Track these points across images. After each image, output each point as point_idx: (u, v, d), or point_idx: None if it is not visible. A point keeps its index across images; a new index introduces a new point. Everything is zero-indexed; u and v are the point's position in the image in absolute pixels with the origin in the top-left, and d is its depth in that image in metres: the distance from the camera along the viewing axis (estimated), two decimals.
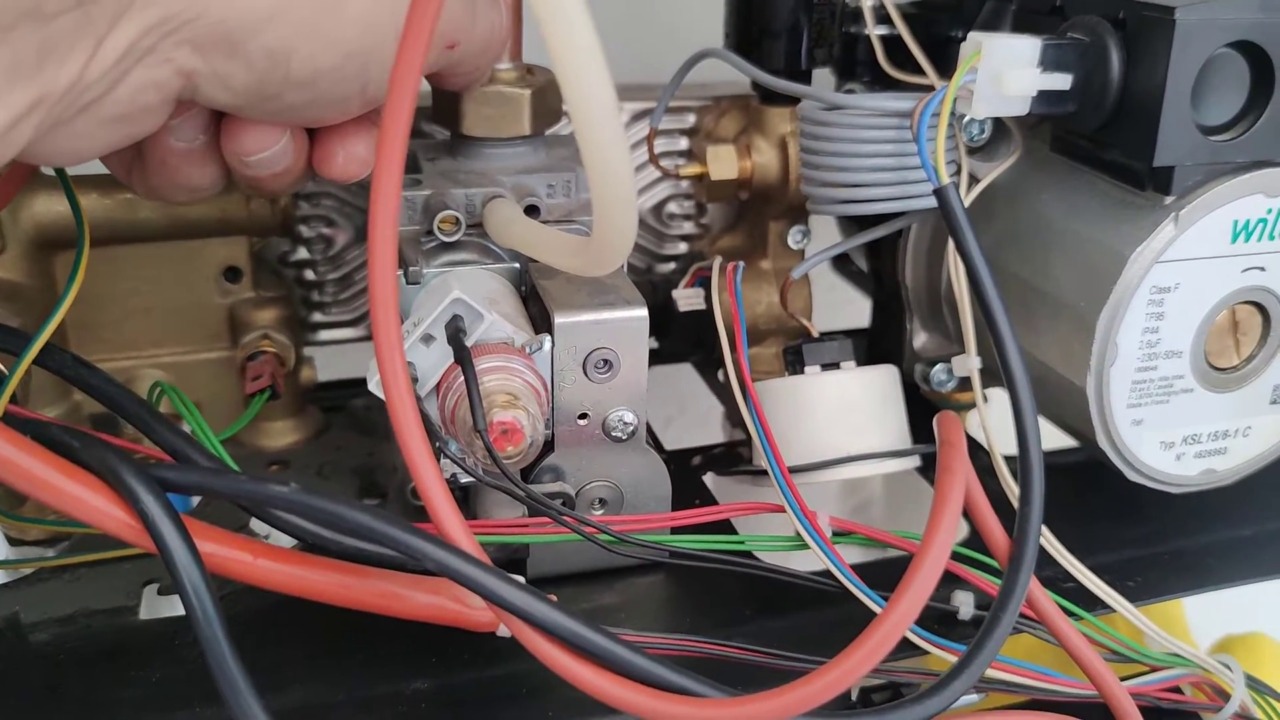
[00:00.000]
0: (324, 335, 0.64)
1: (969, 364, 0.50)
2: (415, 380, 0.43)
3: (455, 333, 0.42)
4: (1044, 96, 0.47)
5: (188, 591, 0.33)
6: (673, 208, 0.67)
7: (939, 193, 0.45)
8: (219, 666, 0.32)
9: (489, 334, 0.43)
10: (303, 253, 0.62)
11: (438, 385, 0.43)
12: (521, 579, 0.35)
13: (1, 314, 0.50)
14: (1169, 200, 0.46)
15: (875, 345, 0.66)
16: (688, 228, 0.68)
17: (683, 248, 0.68)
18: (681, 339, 0.63)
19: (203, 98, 0.37)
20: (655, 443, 0.61)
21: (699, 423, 0.69)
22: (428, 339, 0.43)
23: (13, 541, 0.52)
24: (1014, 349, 0.43)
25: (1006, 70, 0.46)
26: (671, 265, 0.68)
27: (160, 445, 0.41)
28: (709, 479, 0.58)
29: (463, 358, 0.41)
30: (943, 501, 0.39)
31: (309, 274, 0.62)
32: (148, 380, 0.56)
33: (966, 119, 0.51)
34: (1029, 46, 0.46)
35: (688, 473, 0.59)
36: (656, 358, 0.68)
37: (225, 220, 0.54)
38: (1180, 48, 0.44)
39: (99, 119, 0.35)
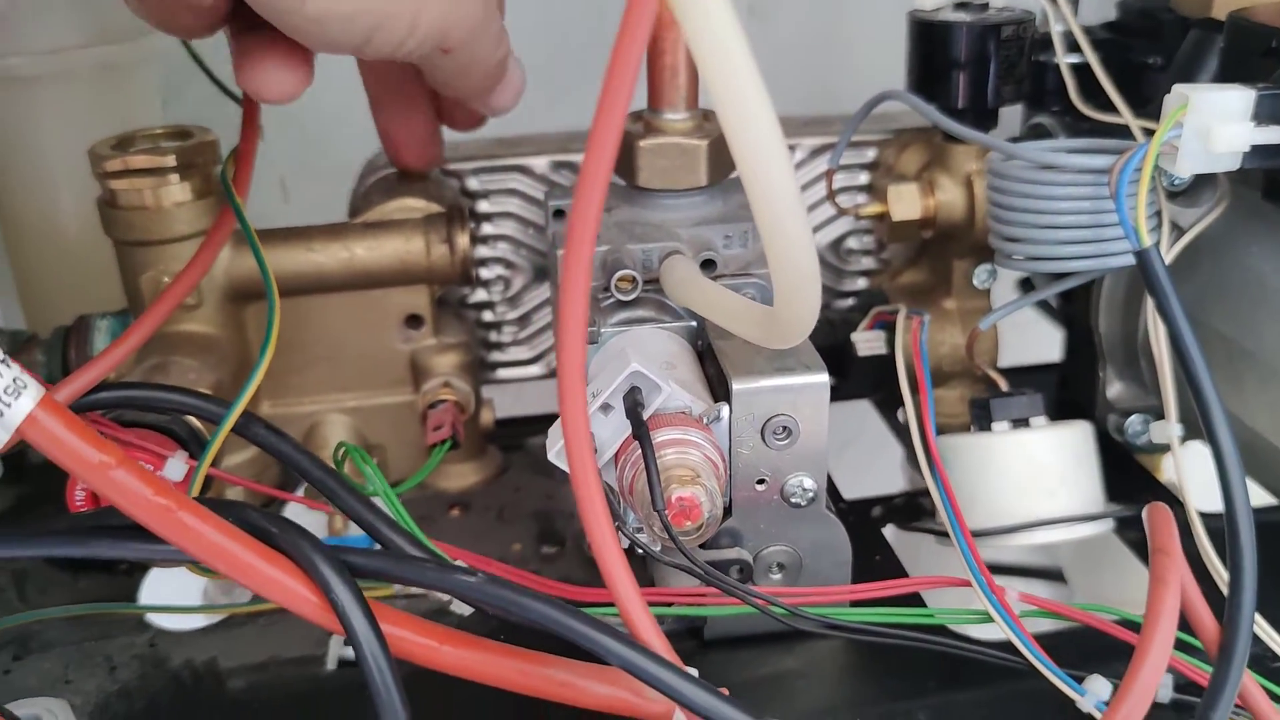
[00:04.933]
0: (503, 374, 0.65)
1: (1169, 431, 0.47)
2: (594, 451, 0.42)
3: (634, 405, 0.42)
4: (1258, 150, 0.44)
5: (374, 677, 0.33)
6: (852, 243, 0.66)
7: (1140, 256, 0.43)
8: None
9: (667, 404, 0.43)
10: (482, 294, 0.63)
11: (616, 455, 0.43)
12: (695, 673, 0.34)
13: (199, 365, 0.52)
14: None
15: (1066, 389, 0.63)
16: (867, 263, 0.66)
17: (861, 283, 0.67)
18: (860, 381, 0.61)
19: None
20: (833, 491, 0.60)
21: (872, 459, 0.67)
22: (606, 409, 0.43)
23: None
24: (1224, 430, 0.40)
25: (1216, 125, 0.43)
26: (850, 301, 0.67)
27: (346, 513, 0.42)
28: (889, 532, 0.57)
29: (640, 434, 0.41)
30: (1156, 616, 0.37)
31: (488, 315, 0.63)
32: (333, 425, 0.58)
33: None
34: (1240, 99, 0.43)
35: (867, 524, 0.57)
36: (835, 394, 0.67)
37: (406, 269, 0.55)
38: None
39: None
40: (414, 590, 0.43)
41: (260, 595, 0.34)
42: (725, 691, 0.34)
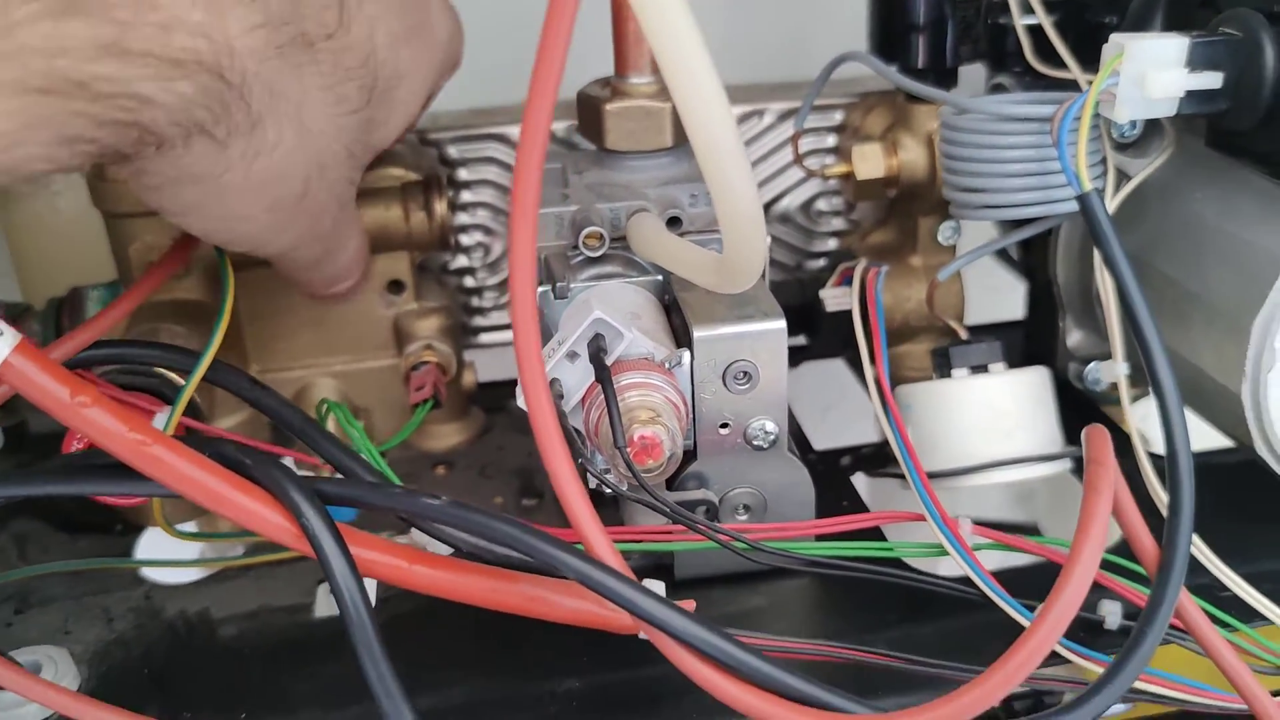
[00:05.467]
0: (485, 338, 0.67)
1: (1115, 370, 0.49)
2: (561, 396, 0.44)
3: (596, 351, 0.44)
4: (1193, 96, 0.46)
5: (343, 595, 0.36)
6: (821, 205, 0.67)
7: (1082, 200, 0.45)
8: (370, 666, 0.35)
9: (630, 350, 0.45)
10: (463, 260, 0.65)
11: (583, 400, 0.45)
12: (654, 587, 0.36)
13: (186, 332, 0.54)
14: None
15: (1030, 341, 0.65)
16: (837, 224, 0.68)
17: (832, 244, 0.69)
18: (831, 337, 0.63)
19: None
20: (804, 442, 0.62)
21: (852, 419, 0.69)
22: (572, 356, 0.45)
23: (203, 536, 0.57)
24: (1163, 363, 0.42)
25: (1151, 72, 0.45)
26: (821, 262, 0.69)
27: (326, 459, 0.44)
28: (858, 480, 0.59)
29: (603, 377, 0.43)
30: (1088, 520, 0.39)
31: (469, 281, 0.65)
32: (321, 387, 0.60)
33: None
34: (1175, 46, 0.45)
35: (836, 473, 0.59)
36: (808, 354, 0.69)
37: (386, 236, 0.57)
38: None
39: None
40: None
41: (235, 523, 0.36)
42: (691, 604, 0.36)
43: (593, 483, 0.44)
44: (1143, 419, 0.64)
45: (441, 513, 0.36)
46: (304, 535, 0.35)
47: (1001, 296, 0.72)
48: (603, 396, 0.43)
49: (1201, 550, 0.46)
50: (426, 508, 0.37)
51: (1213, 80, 0.45)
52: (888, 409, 0.50)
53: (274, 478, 0.35)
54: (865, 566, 0.46)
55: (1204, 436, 0.53)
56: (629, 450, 0.42)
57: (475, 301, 0.66)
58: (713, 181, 0.35)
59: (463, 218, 0.64)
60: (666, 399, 0.44)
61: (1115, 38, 0.45)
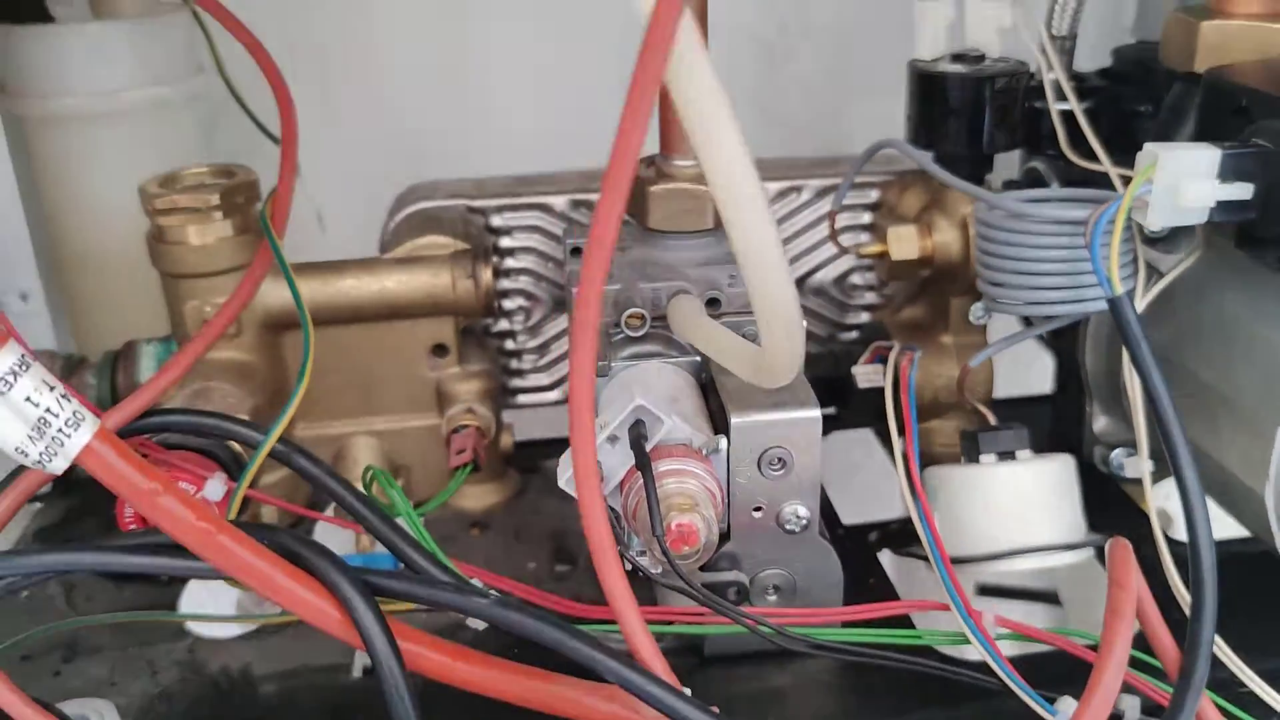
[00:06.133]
0: (522, 399, 0.68)
1: (1140, 467, 0.50)
2: (601, 479, 0.46)
3: (638, 437, 0.45)
4: (1223, 206, 0.47)
5: (390, 689, 0.37)
6: (855, 279, 0.69)
7: (1113, 304, 0.46)
8: None
9: (669, 436, 0.46)
10: (504, 324, 0.66)
11: (621, 483, 0.46)
12: (688, 692, 0.38)
13: (238, 391, 0.56)
14: None
15: (1057, 422, 0.66)
16: (870, 298, 0.69)
17: (865, 317, 0.70)
18: (861, 409, 0.65)
19: None
20: (831, 516, 0.63)
21: (880, 492, 0.70)
22: (613, 440, 0.46)
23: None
24: (1189, 468, 0.43)
25: (1184, 182, 0.46)
26: (854, 334, 0.70)
27: (372, 533, 0.45)
28: (884, 557, 0.60)
29: (642, 464, 0.44)
30: (1109, 649, 0.40)
31: (509, 344, 0.67)
32: (362, 446, 0.61)
33: None
34: (1207, 158, 0.46)
35: (863, 549, 0.60)
36: (838, 424, 0.71)
37: (433, 302, 0.59)
38: None
39: None
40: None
41: (290, 611, 0.38)
42: (715, 710, 0.37)
43: (627, 565, 0.46)
44: (1166, 498, 0.65)
45: (489, 612, 0.38)
46: (353, 626, 0.37)
47: (1031, 371, 0.73)
48: (641, 482, 0.44)
49: (1220, 646, 0.47)
50: (474, 606, 0.39)
51: (1243, 191, 0.47)
52: (917, 499, 0.51)
53: (327, 571, 0.37)
54: (889, 655, 0.47)
55: (1225, 525, 0.54)
56: (666, 538, 0.43)
57: (514, 364, 0.68)
58: (753, 287, 0.36)
59: (505, 283, 0.65)
60: (704, 486, 0.45)
61: (1149, 147, 0.47)
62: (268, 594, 0.37)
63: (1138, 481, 0.61)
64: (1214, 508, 0.54)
